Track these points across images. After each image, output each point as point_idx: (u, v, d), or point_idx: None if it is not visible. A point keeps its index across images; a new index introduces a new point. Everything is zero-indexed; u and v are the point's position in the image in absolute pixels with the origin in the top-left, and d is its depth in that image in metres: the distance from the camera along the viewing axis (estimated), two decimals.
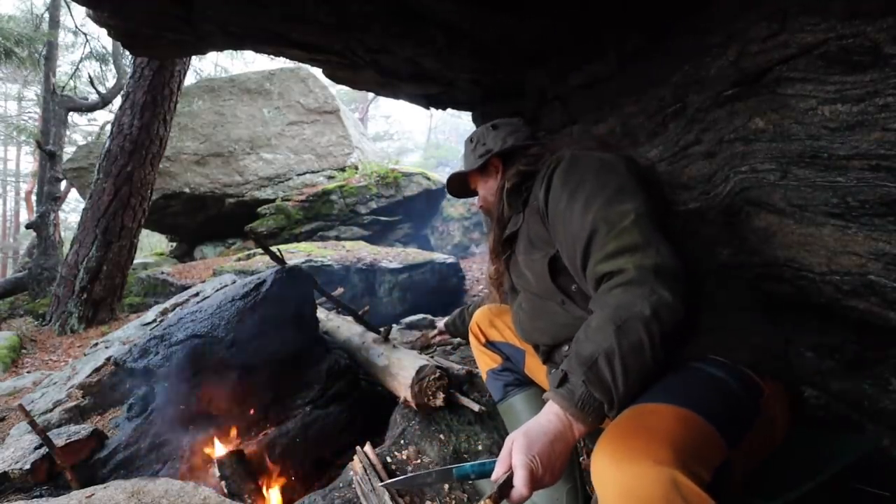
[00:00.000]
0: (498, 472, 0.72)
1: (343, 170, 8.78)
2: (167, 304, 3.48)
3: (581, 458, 1.43)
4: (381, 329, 2.16)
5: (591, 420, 0.74)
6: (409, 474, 1.10)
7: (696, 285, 0.79)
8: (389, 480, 1.01)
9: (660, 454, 0.60)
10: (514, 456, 0.71)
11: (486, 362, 1.42)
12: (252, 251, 5.87)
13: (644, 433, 0.65)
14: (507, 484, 0.69)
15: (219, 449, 1.70)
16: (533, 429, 0.74)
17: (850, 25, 1.08)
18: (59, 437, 1.73)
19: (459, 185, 1.37)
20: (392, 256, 5.03)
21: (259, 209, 7.93)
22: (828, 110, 1.15)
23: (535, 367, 1.30)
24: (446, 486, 1.42)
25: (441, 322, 1.91)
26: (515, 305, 1.22)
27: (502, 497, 0.69)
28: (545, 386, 1.31)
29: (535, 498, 1.21)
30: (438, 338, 1.94)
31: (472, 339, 1.47)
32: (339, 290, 2.57)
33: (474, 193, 1.37)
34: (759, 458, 0.78)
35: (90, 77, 8.52)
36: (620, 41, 1.81)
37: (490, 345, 1.41)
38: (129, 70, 5.97)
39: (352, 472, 1.46)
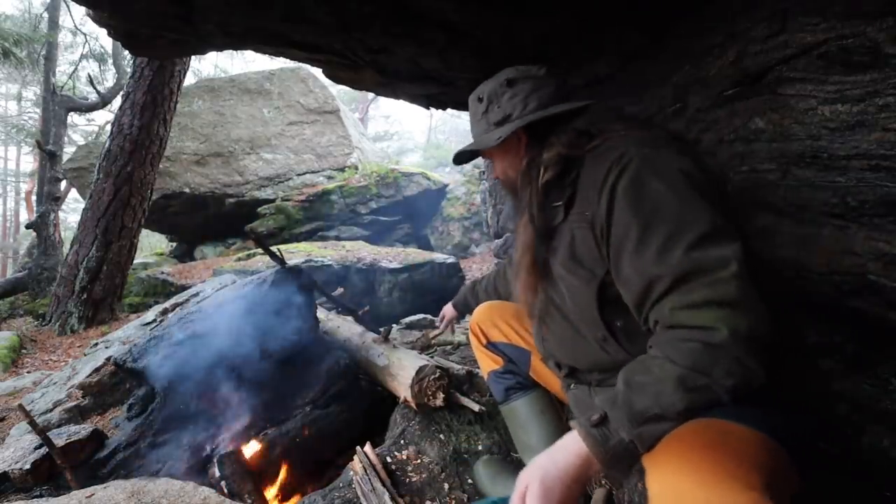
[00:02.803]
0: None
1: (343, 170, 8.79)
2: (167, 304, 3.48)
3: None
4: (381, 329, 2.16)
5: (615, 467, 0.69)
6: None
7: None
8: None
9: (751, 479, 0.56)
10: None
11: (487, 363, 1.38)
12: (252, 251, 5.87)
13: (730, 453, 0.60)
14: None
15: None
16: (550, 473, 0.68)
17: (850, 25, 1.08)
18: (59, 437, 1.73)
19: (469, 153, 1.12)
20: (392, 256, 5.03)
21: (259, 209, 7.94)
22: (828, 110, 1.15)
23: (541, 369, 1.25)
24: (446, 486, 1.42)
25: (447, 307, 1.71)
26: (538, 315, 1.07)
27: None
28: (551, 388, 1.28)
29: None
30: (443, 326, 1.73)
31: (472, 339, 1.43)
32: (340, 290, 2.57)
33: (479, 156, 1.16)
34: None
35: (90, 77, 8.52)
36: (621, 41, 1.81)
37: (491, 346, 1.36)
38: (129, 70, 5.97)
39: (352, 472, 1.46)
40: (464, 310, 1.67)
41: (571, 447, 0.71)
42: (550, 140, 0.92)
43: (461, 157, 1.15)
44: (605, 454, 0.68)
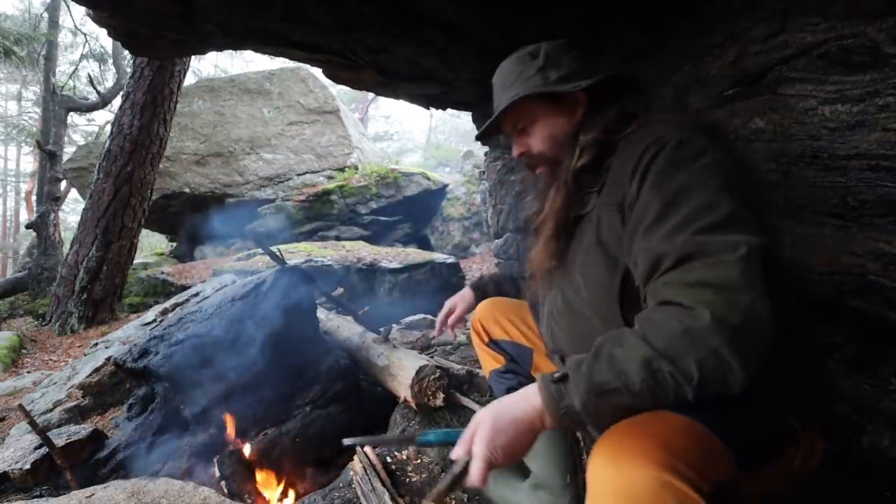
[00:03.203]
0: (458, 452, 0.72)
1: (343, 170, 8.79)
2: (167, 304, 3.48)
3: (582, 458, 1.43)
4: (381, 329, 2.16)
5: (566, 425, 0.70)
6: (372, 437, 1.00)
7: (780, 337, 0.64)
8: (353, 439, 0.91)
9: (656, 456, 0.57)
10: (476, 445, 0.69)
11: (489, 362, 1.35)
12: (252, 251, 5.86)
13: (643, 435, 0.62)
14: (464, 472, 0.70)
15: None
16: (503, 417, 0.71)
17: (850, 25, 1.08)
18: (59, 437, 1.73)
19: (494, 121, 0.99)
20: (392, 256, 5.02)
21: (259, 209, 7.94)
22: (828, 110, 1.15)
23: (544, 367, 1.24)
24: None
25: (462, 294, 1.41)
26: (548, 309, 1.01)
27: (456, 485, 0.70)
28: None
29: None
30: (453, 319, 1.40)
31: (474, 337, 1.41)
32: (339, 290, 2.57)
33: (498, 132, 1.03)
34: (771, 499, 0.73)
35: (90, 77, 8.52)
36: (621, 41, 1.81)
37: (493, 344, 1.33)
38: (129, 70, 5.97)
39: (352, 472, 1.46)
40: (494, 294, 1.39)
41: (530, 397, 0.72)
42: (588, 123, 0.89)
43: (491, 127, 1.00)
44: (556, 411, 0.69)
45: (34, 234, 7.95)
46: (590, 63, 0.94)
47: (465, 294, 1.42)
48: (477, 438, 0.69)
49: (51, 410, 2.48)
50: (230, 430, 1.77)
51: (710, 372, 0.61)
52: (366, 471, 1.42)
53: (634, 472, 0.57)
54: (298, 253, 5.00)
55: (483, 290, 1.41)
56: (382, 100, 17.89)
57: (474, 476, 0.68)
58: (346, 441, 0.89)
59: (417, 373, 1.68)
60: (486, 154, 3.49)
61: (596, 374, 0.67)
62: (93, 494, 1.32)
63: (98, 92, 8.54)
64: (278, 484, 1.70)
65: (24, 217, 16.72)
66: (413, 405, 1.67)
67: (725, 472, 0.62)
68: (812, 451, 0.74)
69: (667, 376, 0.62)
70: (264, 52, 2.63)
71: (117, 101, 6.41)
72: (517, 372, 1.31)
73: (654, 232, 0.72)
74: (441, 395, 1.67)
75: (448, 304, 1.43)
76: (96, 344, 3.44)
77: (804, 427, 0.72)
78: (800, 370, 0.75)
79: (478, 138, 1.08)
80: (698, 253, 0.67)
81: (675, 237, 0.69)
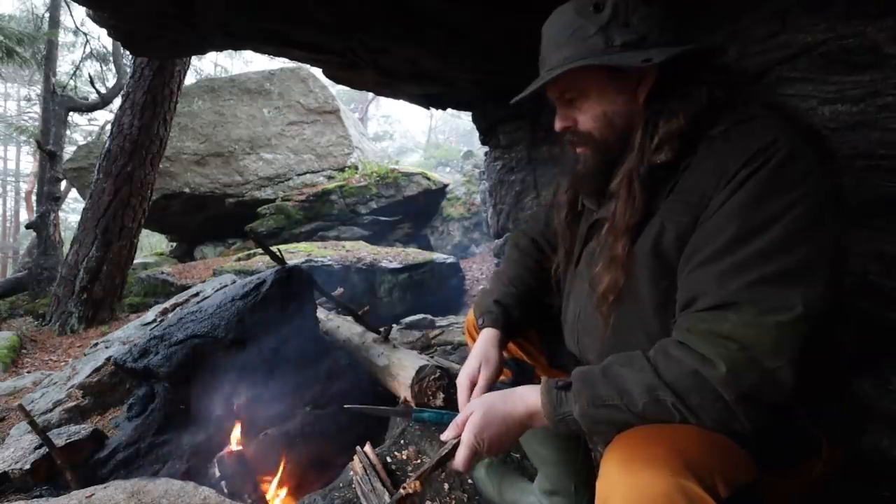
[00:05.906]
0: (448, 435, 0.75)
1: (343, 170, 8.79)
2: (167, 304, 3.48)
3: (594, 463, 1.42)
4: (381, 329, 2.16)
5: (561, 430, 0.70)
6: (371, 406, 0.98)
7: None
8: (349, 405, 0.91)
9: (671, 462, 0.57)
10: (465, 432, 0.72)
11: None
12: (252, 251, 5.87)
13: (657, 441, 0.61)
14: (451, 454, 0.74)
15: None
16: (495, 410, 0.73)
17: (850, 25, 1.08)
18: (59, 437, 1.73)
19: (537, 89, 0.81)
20: (392, 256, 5.03)
21: (259, 209, 7.94)
22: (828, 110, 1.15)
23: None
24: (446, 486, 1.42)
25: (485, 345, 0.96)
26: (573, 313, 0.92)
27: (442, 466, 0.76)
28: None
29: None
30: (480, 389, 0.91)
31: (469, 341, 1.37)
32: (339, 290, 2.57)
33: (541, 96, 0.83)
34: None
35: (90, 77, 8.52)
36: None
37: None
38: (129, 70, 5.97)
39: (352, 472, 1.46)
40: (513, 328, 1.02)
41: (527, 397, 0.73)
42: (671, 105, 0.72)
43: (531, 94, 0.81)
44: (553, 415, 0.70)
45: (34, 234, 7.95)
46: (664, 28, 0.74)
47: (487, 350, 0.95)
48: (468, 426, 0.72)
49: (51, 410, 2.48)
50: (235, 432, 1.76)
51: (714, 415, 0.61)
52: (366, 471, 1.42)
53: (649, 478, 0.57)
54: (298, 253, 5.00)
55: (508, 320, 1.01)
56: (382, 100, 17.91)
57: (459, 460, 0.71)
58: (346, 406, 0.94)
59: (417, 373, 1.68)
60: (486, 154, 3.48)
61: (600, 387, 0.67)
62: (93, 494, 1.32)
63: (98, 92, 8.53)
64: (278, 483, 1.70)
65: (24, 217, 16.73)
66: (413, 405, 1.67)
67: (745, 473, 0.61)
68: (832, 461, 0.73)
69: (670, 406, 0.62)
70: (264, 52, 2.63)
71: (117, 101, 6.41)
72: (522, 383, 1.24)
73: (712, 264, 0.65)
74: (441, 395, 1.67)
75: (466, 374, 0.92)
76: (96, 344, 3.43)
77: (828, 438, 0.71)
78: (832, 391, 0.74)
79: (513, 102, 0.89)
80: (744, 303, 0.61)
81: (729, 281, 0.63)
